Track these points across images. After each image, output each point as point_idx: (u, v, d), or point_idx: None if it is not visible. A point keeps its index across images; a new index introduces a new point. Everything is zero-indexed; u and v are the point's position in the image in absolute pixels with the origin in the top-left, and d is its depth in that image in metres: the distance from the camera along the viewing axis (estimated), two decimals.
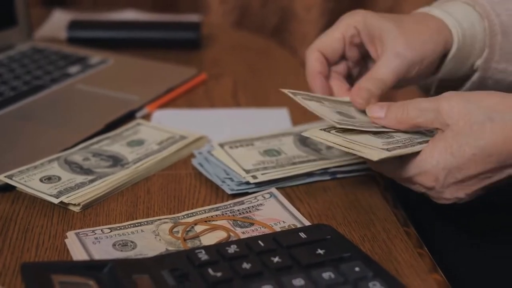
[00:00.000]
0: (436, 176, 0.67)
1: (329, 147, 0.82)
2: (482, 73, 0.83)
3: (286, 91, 0.73)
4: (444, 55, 0.80)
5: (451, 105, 0.66)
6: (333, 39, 0.81)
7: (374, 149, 0.67)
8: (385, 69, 0.77)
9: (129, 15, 1.36)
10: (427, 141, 0.68)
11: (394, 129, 0.71)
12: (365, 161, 0.74)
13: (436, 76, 0.82)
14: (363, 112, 0.76)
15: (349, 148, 0.68)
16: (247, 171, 0.77)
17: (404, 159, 0.68)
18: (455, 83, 0.85)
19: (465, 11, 0.81)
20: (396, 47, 0.77)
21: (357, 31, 0.80)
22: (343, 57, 0.83)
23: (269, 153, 0.81)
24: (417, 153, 0.68)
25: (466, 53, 0.81)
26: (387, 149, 0.67)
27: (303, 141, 0.83)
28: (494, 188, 0.68)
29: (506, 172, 0.65)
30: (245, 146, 0.82)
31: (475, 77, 0.83)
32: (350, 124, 0.70)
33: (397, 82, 0.78)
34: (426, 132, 0.70)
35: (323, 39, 0.81)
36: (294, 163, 0.79)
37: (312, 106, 0.72)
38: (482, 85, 0.84)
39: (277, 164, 0.79)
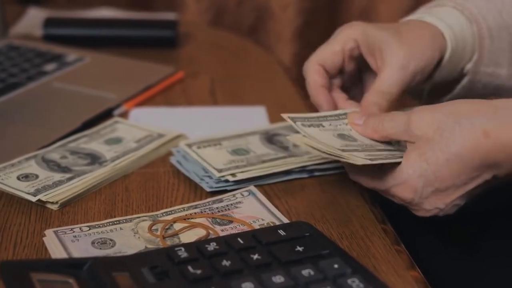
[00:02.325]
0: (414, 186, 0.67)
1: (295, 145, 0.82)
2: (472, 76, 0.83)
3: (285, 116, 0.72)
4: (439, 60, 0.80)
5: (419, 117, 0.67)
6: (332, 52, 0.80)
7: (358, 157, 0.68)
8: (390, 81, 0.77)
9: (105, 13, 1.35)
10: None
11: (369, 138, 0.72)
12: None
13: (429, 82, 0.82)
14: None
15: (335, 154, 0.69)
16: (220, 170, 0.77)
17: (383, 170, 0.69)
18: (445, 87, 0.85)
19: (454, 15, 0.82)
20: (399, 59, 0.77)
21: (357, 44, 0.80)
22: (341, 70, 0.82)
23: (238, 152, 0.81)
24: (395, 165, 0.68)
25: (458, 57, 0.82)
26: (370, 159, 0.68)
27: (270, 139, 0.84)
28: (473, 198, 0.68)
29: (481, 178, 0.65)
30: (213, 146, 0.82)
31: (465, 81, 0.84)
32: (354, 149, 0.70)
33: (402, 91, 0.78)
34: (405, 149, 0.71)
35: (322, 52, 0.81)
36: (264, 161, 0.79)
37: (313, 133, 0.72)
38: (472, 89, 0.85)
39: (247, 162, 0.79)
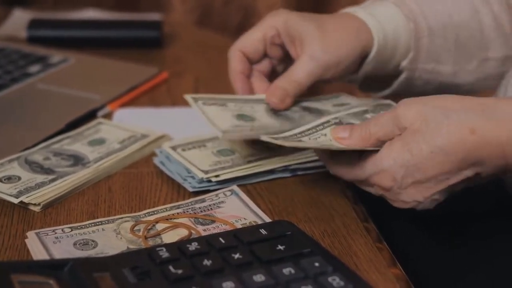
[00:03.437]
0: (394, 175, 0.66)
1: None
2: (409, 73, 0.86)
3: (188, 96, 0.74)
4: (365, 56, 0.82)
5: (407, 109, 0.66)
6: (253, 39, 0.84)
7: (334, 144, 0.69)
8: (300, 71, 0.80)
9: (90, 14, 1.35)
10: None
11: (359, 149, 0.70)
12: None
13: (357, 76, 0.85)
14: (270, 114, 0.80)
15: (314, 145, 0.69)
16: (206, 172, 0.77)
17: (362, 159, 0.69)
18: (381, 80, 0.88)
19: (391, 13, 0.84)
20: (312, 50, 0.80)
21: (278, 32, 0.83)
22: (265, 56, 0.85)
23: (223, 152, 0.81)
24: (374, 153, 0.68)
25: (388, 55, 0.84)
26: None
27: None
28: (452, 194, 0.68)
29: (463, 174, 0.65)
30: (197, 148, 0.82)
31: (402, 77, 0.86)
32: (238, 131, 0.73)
33: (314, 83, 0.81)
34: None
35: (244, 39, 0.85)
36: (249, 161, 0.79)
37: (208, 111, 0.75)
38: (410, 85, 0.87)
39: (233, 163, 0.79)
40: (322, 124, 0.74)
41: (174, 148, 0.81)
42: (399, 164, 0.66)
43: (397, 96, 0.91)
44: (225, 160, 0.79)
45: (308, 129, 0.74)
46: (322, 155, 0.73)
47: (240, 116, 0.79)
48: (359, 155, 0.69)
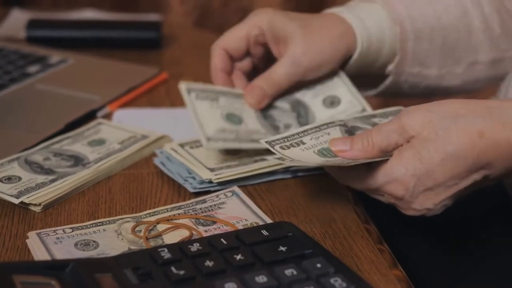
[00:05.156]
0: (406, 184, 0.66)
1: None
2: (395, 77, 0.86)
3: (182, 85, 0.76)
4: (349, 57, 0.83)
5: (412, 117, 0.66)
6: (236, 37, 0.84)
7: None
8: (280, 72, 0.81)
9: (89, 14, 1.35)
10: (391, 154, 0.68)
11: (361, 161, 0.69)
12: None
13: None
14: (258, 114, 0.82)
15: (323, 165, 0.69)
16: (211, 170, 0.77)
17: (372, 168, 0.68)
18: (367, 82, 0.88)
19: (377, 15, 0.84)
20: (294, 52, 0.81)
21: (262, 31, 0.83)
22: (248, 54, 0.86)
23: (230, 151, 0.81)
24: (385, 162, 0.67)
25: (371, 59, 0.84)
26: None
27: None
28: (460, 199, 0.68)
29: (472, 178, 0.65)
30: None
31: (388, 81, 0.87)
32: (222, 139, 0.74)
33: (294, 83, 0.82)
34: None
35: (227, 37, 0.85)
36: (256, 161, 0.79)
37: (199, 108, 0.77)
38: (397, 88, 0.87)
39: (239, 162, 0.79)
40: (326, 124, 0.74)
41: (182, 145, 0.81)
42: (411, 173, 0.65)
43: (404, 99, 0.91)
44: (231, 159, 0.79)
45: (311, 128, 0.73)
46: (329, 167, 0.72)
47: (229, 117, 0.80)
48: (367, 165, 0.68)
